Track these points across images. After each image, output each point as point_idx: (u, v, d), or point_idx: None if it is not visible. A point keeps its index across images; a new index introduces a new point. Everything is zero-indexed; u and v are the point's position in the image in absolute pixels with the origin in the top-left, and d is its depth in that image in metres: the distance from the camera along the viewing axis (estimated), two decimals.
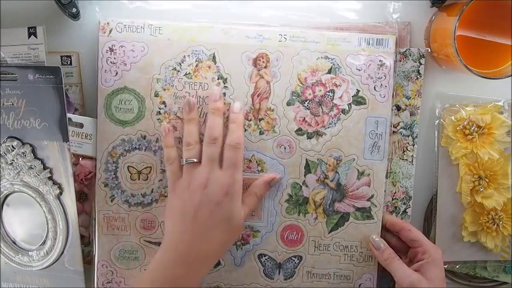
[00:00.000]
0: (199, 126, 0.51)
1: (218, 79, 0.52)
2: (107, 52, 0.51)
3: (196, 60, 0.51)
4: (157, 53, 0.51)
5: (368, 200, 0.53)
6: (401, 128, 0.53)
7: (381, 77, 0.52)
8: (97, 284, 0.54)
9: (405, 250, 0.52)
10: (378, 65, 0.52)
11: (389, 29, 0.52)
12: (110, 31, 0.51)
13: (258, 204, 0.53)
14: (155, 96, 0.52)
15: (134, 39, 0.51)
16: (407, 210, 0.55)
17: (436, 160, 0.55)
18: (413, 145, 0.54)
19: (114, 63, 0.51)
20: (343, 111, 0.52)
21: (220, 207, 0.47)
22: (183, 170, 0.49)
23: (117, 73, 0.51)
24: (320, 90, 0.52)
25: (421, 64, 0.53)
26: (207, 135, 0.49)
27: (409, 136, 0.54)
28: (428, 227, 0.56)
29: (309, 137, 0.52)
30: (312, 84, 0.52)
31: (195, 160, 0.49)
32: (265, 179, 0.52)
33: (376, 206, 0.53)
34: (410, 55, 0.53)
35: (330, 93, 0.52)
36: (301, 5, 0.53)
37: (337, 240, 0.54)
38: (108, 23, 0.51)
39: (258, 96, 0.52)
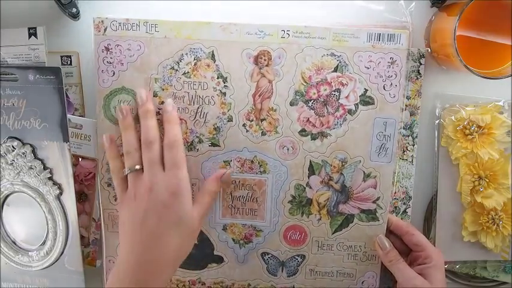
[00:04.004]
0: (136, 132, 0.49)
1: (218, 78, 0.50)
2: (102, 51, 0.50)
3: (194, 59, 0.50)
4: (154, 51, 0.50)
5: (374, 202, 0.52)
6: (401, 128, 0.53)
7: (391, 76, 0.50)
8: (106, 278, 0.54)
9: (406, 252, 0.52)
10: (389, 62, 0.50)
11: (402, 23, 0.50)
12: (105, 29, 0.49)
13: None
14: (154, 96, 0.51)
15: (130, 37, 0.49)
16: (407, 210, 0.55)
17: (436, 160, 0.55)
18: (413, 145, 0.54)
19: (110, 63, 0.50)
20: (350, 111, 0.51)
21: (168, 209, 0.45)
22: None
23: (114, 73, 0.50)
24: (325, 90, 0.50)
25: (421, 64, 0.52)
26: (142, 140, 0.47)
27: (409, 136, 0.54)
28: (428, 227, 0.56)
29: (313, 138, 0.51)
30: (317, 83, 0.50)
31: (137, 167, 0.47)
32: (217, 175, 0.50)
33: (381, 208, 0.52)
34: (410, 55, 0.52)
35: (336, 93, 0.50)
36: (306, 3, 0.51)
37: (340, 241, 0.53)
38: (102, 21, 0.49)
39: (259, 95, 0.51)
